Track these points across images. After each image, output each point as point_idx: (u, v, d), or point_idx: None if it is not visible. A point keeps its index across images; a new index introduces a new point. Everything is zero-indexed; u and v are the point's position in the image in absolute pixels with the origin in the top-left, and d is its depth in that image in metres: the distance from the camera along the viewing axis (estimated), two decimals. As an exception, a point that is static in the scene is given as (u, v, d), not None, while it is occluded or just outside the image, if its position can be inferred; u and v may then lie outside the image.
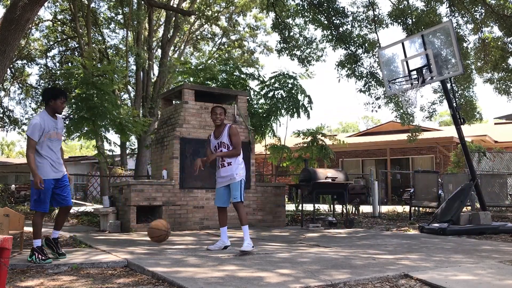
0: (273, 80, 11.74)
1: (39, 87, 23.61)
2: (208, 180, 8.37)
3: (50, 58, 23.67)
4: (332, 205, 11.62)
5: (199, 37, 25.73)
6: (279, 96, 11.63)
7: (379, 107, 14.23)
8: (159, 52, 21.56)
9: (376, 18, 13.57)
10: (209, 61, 15.88)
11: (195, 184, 8.53)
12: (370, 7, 13.67)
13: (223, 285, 3.54)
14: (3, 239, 2.98)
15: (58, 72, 21.36)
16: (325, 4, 13.32)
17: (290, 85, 11.57)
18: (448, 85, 9.02)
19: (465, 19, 13.19)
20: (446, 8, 13.07)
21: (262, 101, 12.05)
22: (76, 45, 22.24)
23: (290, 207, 12.83)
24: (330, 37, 13.81)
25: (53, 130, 4.95)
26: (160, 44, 21.21)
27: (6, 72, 15.51)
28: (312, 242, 6.50)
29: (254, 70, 18.67)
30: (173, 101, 9.88)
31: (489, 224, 7.92)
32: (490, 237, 7.34)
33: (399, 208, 13.47)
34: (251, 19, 26.16)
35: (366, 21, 13.96)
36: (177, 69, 15.83)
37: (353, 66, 13.67)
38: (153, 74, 21.13)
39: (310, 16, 13.85)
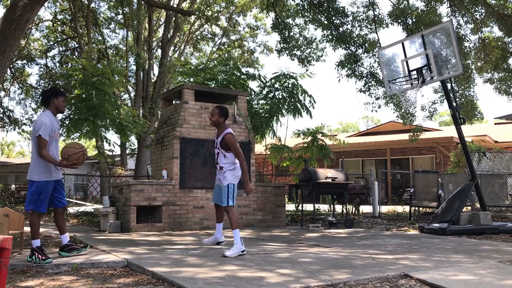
0: (273, 81, 11.74)
1: (39, 87, 23.61)
2: (208, 180, 8.38)
3: (50, 58, 23.71)
4: (332, 205, 11.62)
5: (199, 37, 25.72)
6: (280, 96, 11.63)
7: (379, 107, 14.24)
8: (159, 52, 21.56)
9: (376, 18, 13.57)
10: (208, 62, 15.86)
11: (195, 184, 8.53)
12: (370, 7, 13.67)
13: (223, 285, 3.53)
14: (3, 239, 2.97)
15: (58, 72, 21.37)
16: (325, 4, 13.32)
17: (290, 85, 11.57)
18: (448, 85, 9.02)
19: (465, 19, 13.19)
20: (446, 8, 13.08)
21: (262, 101, 12.05)
22: (76, 45, 22.25)
23: (290, 207, 12.83)
24: (330, 37, 13.80)
25: (57, 130, 5.02)
26: (160, 44, 21.20)
27: (6, 72, 15.51)
28: (312, 242, 6.50)
29: (254, 70, 18.71)
30: (173, 101, 9.87)
31: (489, 224, 7.92)
32: (490, 237, 7.34)
33: (399, 208, 13.47)
34: (251, 19, 26.21)
35: (366, 21, 13.96)
36: (177, 69, 15.83)
37: (353, 66, 13.67)
38: (153, 74, 21.13)
39: (310, 16, 13.85)
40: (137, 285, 3.77)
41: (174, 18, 20.23)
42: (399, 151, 20.97)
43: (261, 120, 11.41)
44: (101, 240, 6.54)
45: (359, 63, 13.73)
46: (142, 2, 17.08)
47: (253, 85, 31.79)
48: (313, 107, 11.68)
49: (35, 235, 4.83)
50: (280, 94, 11.67)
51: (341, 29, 13.57)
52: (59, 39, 23.52)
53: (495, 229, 7.77)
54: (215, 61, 16.35)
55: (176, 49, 24.13)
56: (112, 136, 64.42)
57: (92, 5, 20.68)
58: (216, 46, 26.02)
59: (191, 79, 11.67)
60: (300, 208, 10.74)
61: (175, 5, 19.32)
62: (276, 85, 11.69)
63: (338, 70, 13.89)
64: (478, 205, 9.22)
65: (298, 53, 14.70)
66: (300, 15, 14.05)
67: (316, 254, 5.20)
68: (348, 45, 13.50)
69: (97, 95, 10.28)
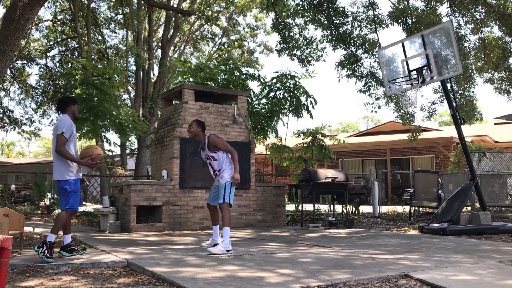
0: (274, 81, 11.74)
1: (39, 87, 23.61)
2: (208, 180, 8.36)
3: (50, 58, 23.71)
4: (332, 205, 11.62)
5: (199, 37, 25.71)
6: (281, 96, 11.64)
7: (379, 107, 14.23)
8: (159, 52, 21.56)
9: (376, 18, 13.57)
10: (208, 62, 15.84)
11: (195, 184, 8.54)
12: (370, 7, 13.67)
13: (223, 285, 3.54)
14: (3, 239, 2.97)
15: (58, 72, 21.36)
16: (325, 4, 13.31)
17: (291, 86, 11.57)
18: (448, 85, 9.02)
19: (465, 19, 13.18)
20: (446, 8, 13.07)
21: (264, 100, 12.05)
22: (76, 45, 22.25)
23: (290, 207, 12.83)
24: (330, 37, 13.80)
25: (75, 132, 5.14)
26: (160, 44, 21.20)
27: (6, 72, 15.51)
28: (312, 242, 6.50)
29: (254, 70, 18.68)
30: (173, 101, 9.87)
31: (489, 224, 7.93)
32: (490, 237, 7.34)
33: (399, 208, 13.47)
34: (251, 19, 26.20)
35: (366, 21, 13.96)
36: (177, 69, 15.83)
37: (353, 66, 13.66)
38: (153, 74, 21.13)
39: (310, 16, 13.85)
40: (137, 285, 3.77)
41: (174, 18, 20.23)
42: (399, 151, 20.97)
43: (263, 120, 11.41)
44: (101, 240, 6.54)
45: (359, 63, 13.73)
46: (142, 2, 17.08)
47: (253, 85, 31.68)
48: (314, 107, 11.71)
49: (56, 230, 4.90)
50: (281, 94, 11.68)
51: (341, 29, 13.57)
52: (59, 39, 23.52)
53: (495, 229, 7.77)
54: (215, 61, 16.37)
55: (176, 49, 24.13)
56: (112, 136, 64.36)
57: (92, 5, 20.69)
58: (216, 46, 26.02)
59: (191, 79, 11.67)
60: (300, 208, 10.73)
61: (175, 5, 19.32)
62: (277, 85, 11.70)
63: (338, 70, 13.90)
64: (478, 205, 9.23)
65: (298, 53, 14.71)
66: (300, 15, 14.05)
67: (316, 254, 5.20)
68: (348, 45, 13.50)
69: (98, 95, 10.29)
